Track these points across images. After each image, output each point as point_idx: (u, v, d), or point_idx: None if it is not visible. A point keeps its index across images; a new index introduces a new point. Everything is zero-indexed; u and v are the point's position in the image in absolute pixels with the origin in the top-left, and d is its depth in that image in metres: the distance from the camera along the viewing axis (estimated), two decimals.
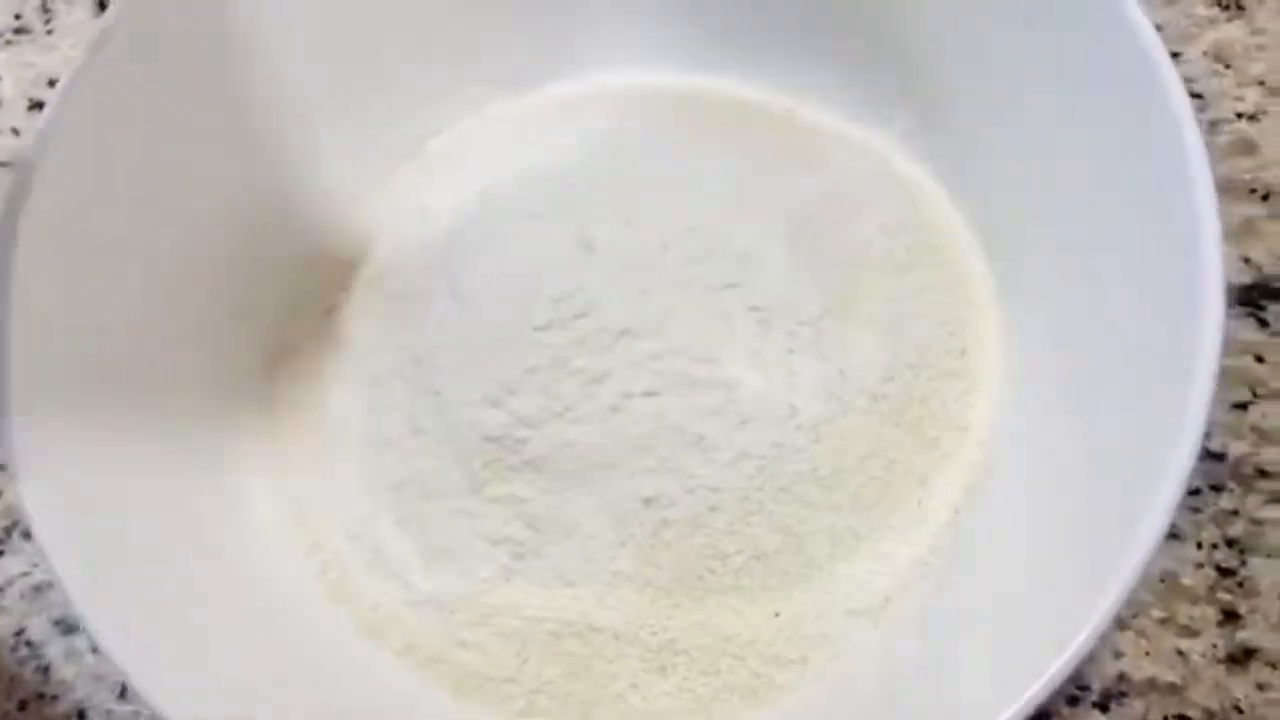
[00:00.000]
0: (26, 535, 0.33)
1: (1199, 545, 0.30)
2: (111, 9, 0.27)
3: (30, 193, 0.25)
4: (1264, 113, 0.35)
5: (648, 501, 0.27)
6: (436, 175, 0.33)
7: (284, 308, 0.31)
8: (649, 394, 0.27)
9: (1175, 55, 0.37)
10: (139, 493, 0.25)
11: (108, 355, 0.26)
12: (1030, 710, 0.21)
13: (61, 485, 0.22)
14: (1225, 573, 0.30)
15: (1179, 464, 0.22)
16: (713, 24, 0.33)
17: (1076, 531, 0.25)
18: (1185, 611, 0.30)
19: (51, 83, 0.38)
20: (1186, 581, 0.30)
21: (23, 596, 0.32)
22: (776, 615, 0.27)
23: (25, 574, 0.33)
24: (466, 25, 0.34)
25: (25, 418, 0.22)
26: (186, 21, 0.29)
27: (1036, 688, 0.21)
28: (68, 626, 0.32)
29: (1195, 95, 0.36)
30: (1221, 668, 0.29)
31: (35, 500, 0.22)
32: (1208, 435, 0.31)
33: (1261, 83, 0.36)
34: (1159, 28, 0.33)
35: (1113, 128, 0.26)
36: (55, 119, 0.26)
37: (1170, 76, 0.24)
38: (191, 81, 0.29)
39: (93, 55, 0.26)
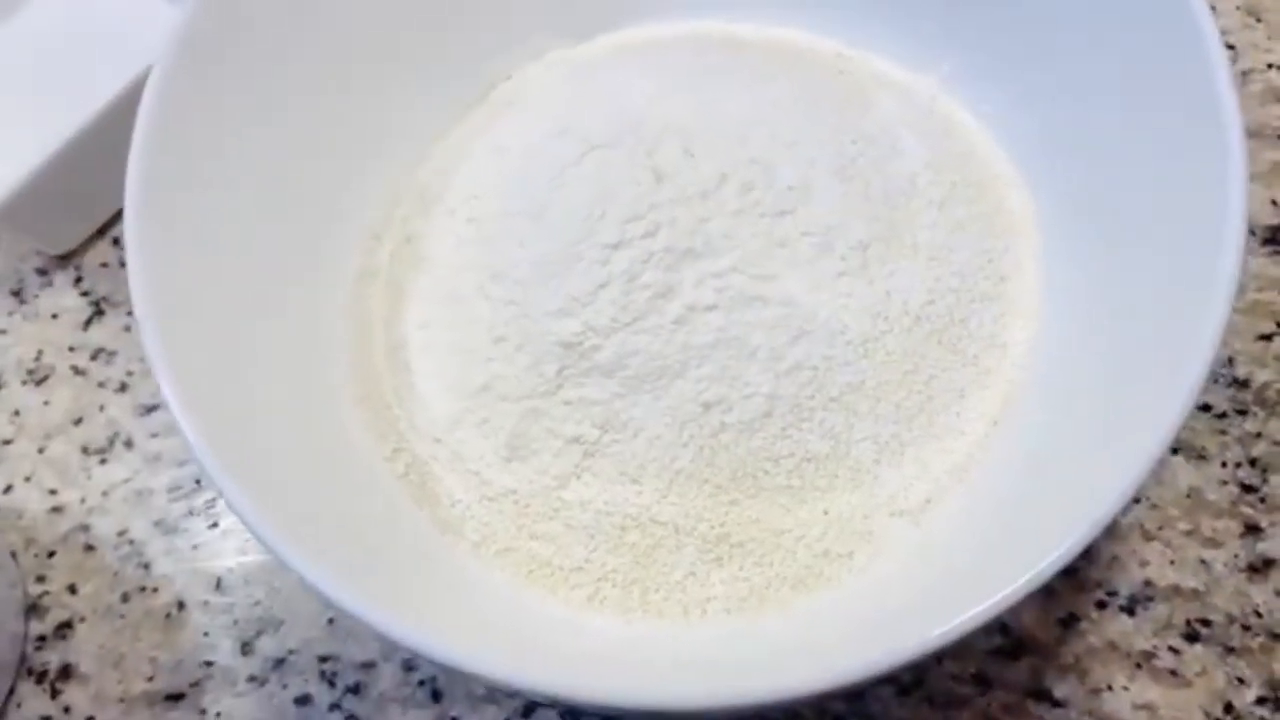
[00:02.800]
0: (128, 445, 0.36)
1: (1223, 464, 0.32)
2: None
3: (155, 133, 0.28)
4: None
5: (708, 406, 0.29)
6: (504, 117, 0.36)
7: (369, 234, 0.34)
8: (711, 308, 0.29)
9: (1211, 9, 0.38)
10: (245, 391, 0.28)
11: (224, 274, 0.29)
12: (1046, 578, 0.22)
13: (189, 380, 0.25)
14: (1248, 489, 0.32)
15: (1192, 379, 0.23)
16: None
17: (1101, 441, 0.26)
18: (1209, 524, 0.31)
19: None
20: (1211, 497, 0.32)
21: (125, 500, 0.35)
22: (825, 513, 0.29)
23: (127, 480, 0.36)
24: None
25: (161, 322, 0.25)
26: None
27: (1049, 560, 0.22)
28: (168, 527, 0.35)
29: (1228, 46, 0.37)
30: (1242, 576, 0.31)
31: (171, 388, 0.24)
32: (1233, 362, 0.33)
33: None
34: None
35: (1147, 66, 0.28)
36: (170, 67, 0.29)
37: (1204, 15, 0.26)
38: (283, 37, 0.31)
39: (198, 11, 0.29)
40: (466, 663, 0.23)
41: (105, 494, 0.35)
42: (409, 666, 0.32)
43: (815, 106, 0.33)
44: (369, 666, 0.32)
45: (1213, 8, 0.38)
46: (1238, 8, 0.39)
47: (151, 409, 0.36)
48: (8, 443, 0.36)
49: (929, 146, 0.33)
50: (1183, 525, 0.31)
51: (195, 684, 0.33)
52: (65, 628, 0.34)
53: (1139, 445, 0.23)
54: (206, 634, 0.33)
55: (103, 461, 0.36)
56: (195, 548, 0.34)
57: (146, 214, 0.27)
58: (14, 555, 0.35)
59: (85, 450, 0.36)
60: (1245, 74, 0.37)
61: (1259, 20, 0.38)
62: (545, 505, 0.29)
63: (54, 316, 0.38)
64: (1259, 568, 0.31)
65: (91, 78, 0.37)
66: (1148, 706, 0.30)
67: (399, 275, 0.33)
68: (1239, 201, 0.25)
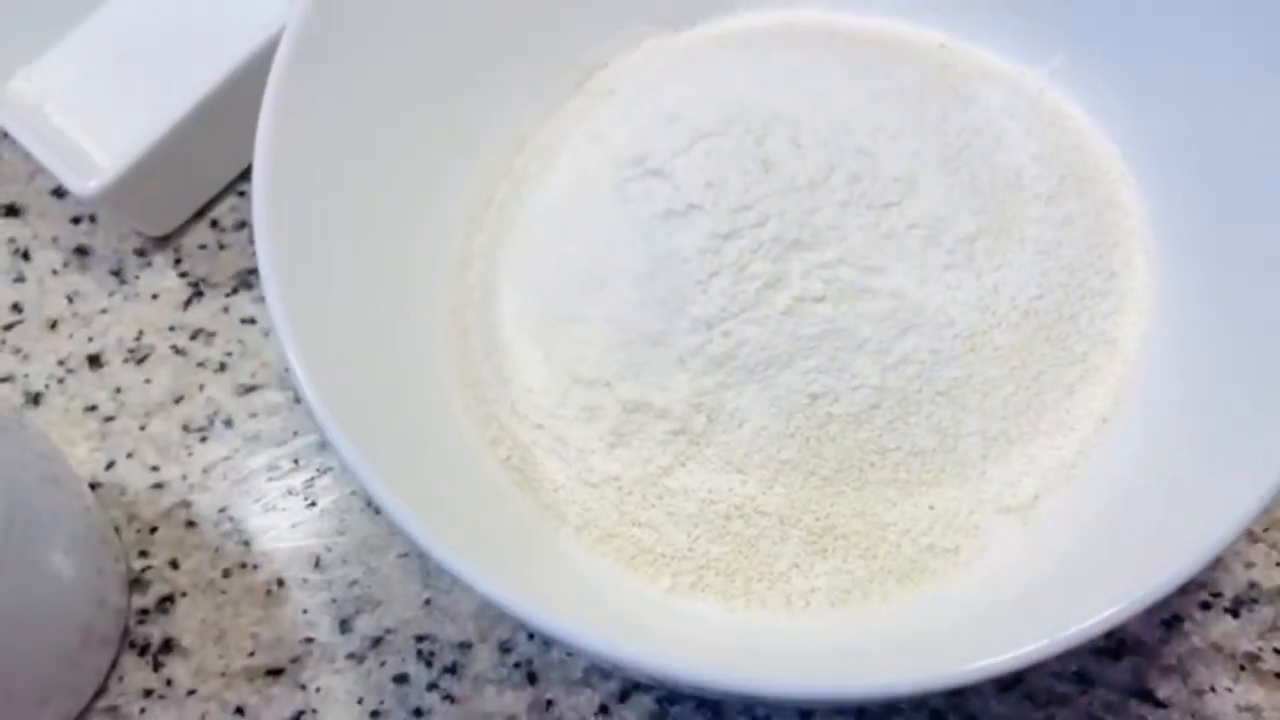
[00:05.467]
0: (228, 424, 0.37)
1: None
2: None
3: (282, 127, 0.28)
4: None
5: (814, 398, 0.29)
6: (604, 105, 0.36)
7: (468, 219, 0.34)
8: (819, 299, 0.29)
9: None
10: (358, 370, 0.28)
11: (336, 254, 0.29)
12: (1154, 600, 0.22)
13: (312, 352, 0.25)
14: None
15: None
16: None
17: (1215, 445, 0.26)
18: None
19: None
20: None
21: (225, 478, 0.36)
22: (931, 508, 0.29)
23: (226, 458, 0.36)
24: None
25: (285, 288, 0.26)
26: None
27: (1160, 581, 0.22)
28: (267, 505, 0.35)
29: None
30: None
31: (295, 353, 0.25)
32: None
33: None
34: None
35: (1269, 62, 0.28)
36: (289, 59, 0.29)
37: None
38: (391, 27, 0.32)
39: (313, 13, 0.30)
40: (572, 634, 0.23)
41: (205, 472, 0.36)
42: (505, 648, 0.33)
43: (919, 98, 0.33)
44: (465, 647, 0.33)
45: None
46: None
47: (250, 389, 0.37)
48: (110, 419, 0.37)
49: (1036, 139, 0.32)
50: None
51: (295, 660, 0.33)
52: (167, 602, 0.34)
53: (1265, 459, 0.23)
54: (305, 611, 0.34)
55: (203, 440, 0.37)
56: (294, 526, 0.35)
57: (271, 198, 0.27)
58: (117, 530, 0.35)
59: (186, 428, 0.37)
60: None
61: None
62: (648, 493, 0.29)
63: (154, 297, 0.39)
64: None
65: (192, 65, 0.37)
66: (1252, 709, 0.30)
67: (497, 259, 0.33)
68: None
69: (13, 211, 0.41)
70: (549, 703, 0.32)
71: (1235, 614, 0.31)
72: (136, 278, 0.40)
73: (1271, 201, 0.27)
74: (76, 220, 0.41)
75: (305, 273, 0.27)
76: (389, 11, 0.32)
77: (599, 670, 0.32)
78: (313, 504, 0.35)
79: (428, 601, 0.33)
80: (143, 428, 0.37)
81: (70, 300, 0.39)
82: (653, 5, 0.37)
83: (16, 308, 0.39)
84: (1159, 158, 0.31)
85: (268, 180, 0.27)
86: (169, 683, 0.33)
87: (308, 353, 0.25)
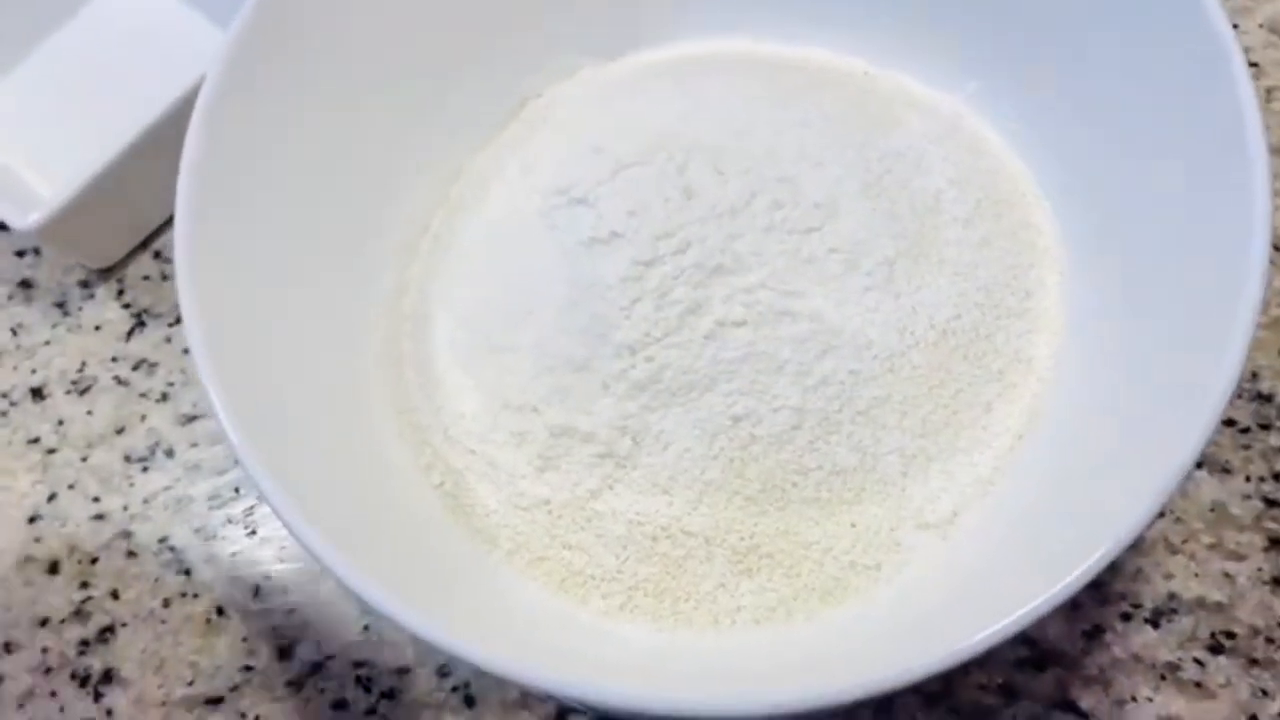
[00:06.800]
0: (169, 454, 0.37)
1: (1247, 479, 0.32)
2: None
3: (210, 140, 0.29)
4: None
5: (737, 419, 0.29)
6: (537, 135, 0.36)
7: (403, 248, 0.35)
8: (740, 323, 0.29)
9: (1234, 27, 0.39)
10: (287, 402, 0.29)
11: (266, 286, 0.30)
12: (1071, 593, 0.23)
13: (234, 389, 0.26)
14: (1271, 503, 0.32)
15: (1217, 398, 0.24)
16: None
17: (1126, 457, 0.27)
18: (1233, 538, 0.32)
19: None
20: (1235, 511, 0.32)
21: (166, 508, 0.36)
22: (852, 526, 0.29)
23: (168, 488, 0.36)
24: (560, 1, 0.37)
25: (207, 334, 0.26)
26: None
27: (1075, 575, 0.23)
28: (207, 534, 0.36)
29: (1252, 64, 0.38)
30: (1266, 589, 0.31)
31: (216, 393, 0.25)
32: (1257, 377, 0.33)
33: None
34: None
35: (1169, 87, 0.29)
36: (217, 87, 0.30)
37: (1226, 34, 0.27)
38: (323, 58, 0.32)
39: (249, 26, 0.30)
40: (500, 666, 0.23)
41: (146, 502, 0.36)
42: (443, 673, 0.33)
43: (842, 125, 0.33)
44: (404, 672, 0.33)
45: (1235, 26, 0.39)
46: (1261, 25, 0.39)
47: (191, 419, 0.37)
48: (52, 451, 0.37)
49: (954, 164, 0.33)
50: (1207, 539, 0.32)
51: (234, 688, 0.33)
52: (108, 632, 0.35)
53: (1164, 462, 0.24)
54: (245, 639, 0.34)
55: (144, 470, 0.37)
56: (234, 555, 0.35)
57: (194, 231, 0.28)
58: (57, 562, 0.36)
59: (127, 459, 0.37)
60: (1269, 91, 0.38)
61: None
62: (578, 515, 0.30)
63: (97, 328, 0.39)
64: None
65: (132, 99, 0.38)
66: (1172, 718, 0.30)
67: (431, 288, 0.34)
68: (1263, 225, 0.25)
69: None
70: None
71: (1155, 625, 0.31)
72: (80, 309, 0.40)
73: (1165, 218, 0.28)
74: (21, 254, 0.41)
75: (230, 307, 0.27)
76: (324, 42, 0.32)
77: (536, 693, 0.32)
78: (253, 532, 0.35)
79: (366, 628, 0.34)
80: (84, 459, 0.37)
81: (14, 333, 0.40)
82: (586, 36, 0.38)
83: None
84: (1068, 180, 0.32)
85: (190, 215, 0.28)
86: (109, 713, 0.34)
87: (226, 384, 0.26)
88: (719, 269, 0.30)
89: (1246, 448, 0.33)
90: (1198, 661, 0.31)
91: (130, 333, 0.39)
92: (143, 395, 0.38)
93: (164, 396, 0.38)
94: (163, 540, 0.36)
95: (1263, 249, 0.25)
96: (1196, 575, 0.31)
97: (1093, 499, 0.27)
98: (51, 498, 0.37)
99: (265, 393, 0.27)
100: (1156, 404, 0.26)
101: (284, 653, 0.34)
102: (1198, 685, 0.30)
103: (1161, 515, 0.32)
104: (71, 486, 0.37)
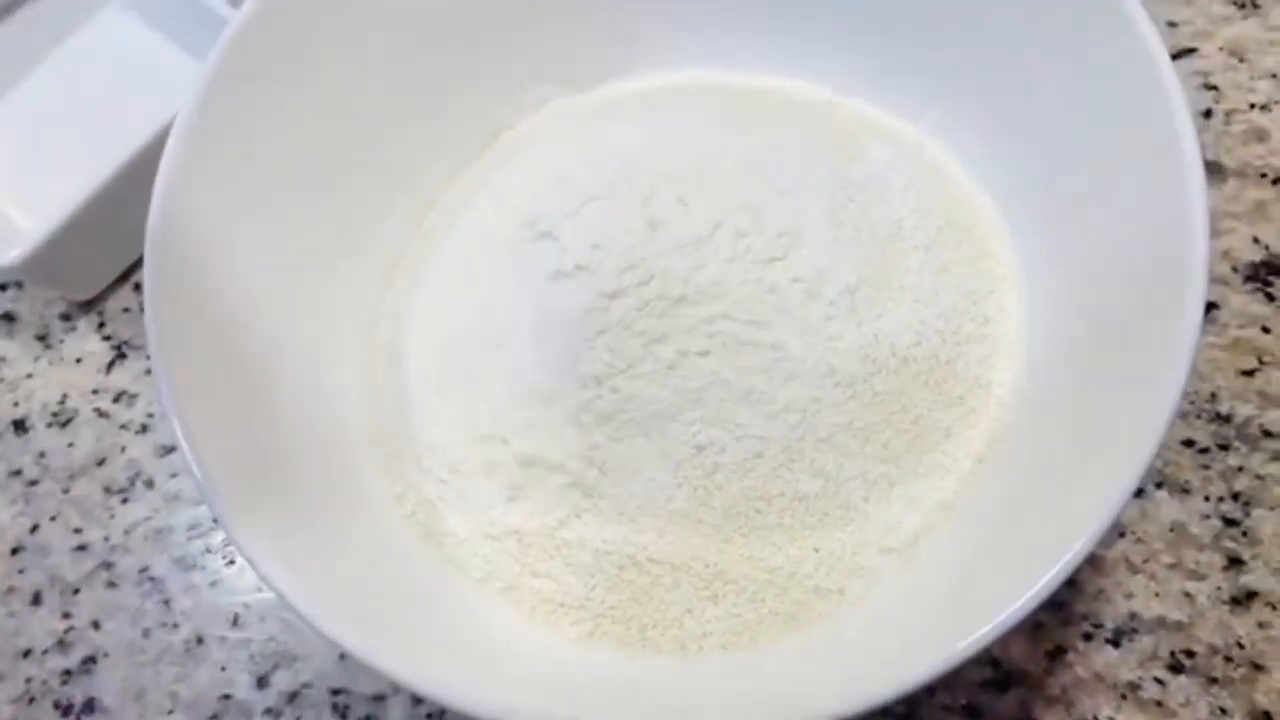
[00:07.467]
0: (149, 485, 0.37)
1: (1206, 498, 0.33)
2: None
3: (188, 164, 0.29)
4: (1276, 103, 0.38)
5: (701, 448, 0.30)
6: (508, 166, 0.37)
7: (378, 281, 0.35)
8: (703, 353, 0.30)
9: (1192, 50, 0.39)
10: (260, 437, 0.29)
11: (238, 320, 0.30)
12: (1028, 611, 0.23)
13: (203, 427, 0.26)
14: (1230, 523, 0.32)
15: (1163, 416, 0.24)
16: (759, 25, 0.37)
17: (1079, 478, 0.27)
18: (1192, 557, 0.32)
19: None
20: (1194, 531, 0.33)
21: (146, 538, 0.37)
22: (816, 551, 0.30)
23: (148, 518, 0.37)
24: (532, 33, 0.38)
25: (175, 368, 0.27)
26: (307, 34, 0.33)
27: (1030, 593, 0.23)
28: (187, 564, 0.36)
29: (1211, 87, 0.39)
30: (1225, 608, 0.32)
31: (185, 431, 0.26)
32: (1216, 398, 0.34)
33: (1274, 75, 0.38)
34: (1174, 25, 0.36)
35: (1115, 114, 0.29)
36: (189, 121, 0.30)
37: (1167, 71, 0.27)
38: (294, 94, 0.33)
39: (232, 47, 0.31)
40: (469, 705, 0.24)
41: (127, 532, 0.37)
42: (418, 700, 0.33)
43: (807, 154, 0.34)
44: (379, 700, 0.34)
45: (1195, 49, 0.39)
46: (1220, 48, 0.39)
47: (170, 450, 0.38)
48: (34, 483, 0.38)
49: (916, 192, 0.34)
50: (1167, 558, 0.32)
51: (213, 717, 0.34)
52: (89, 662, 0.35)
53: (1112, 481, 0.24)
54: (224, 668, 0.34)
55: (124, 501, 0.37)
56: (213, 584, 0.36)
57: (164, 264, 0.28)
58: (40, 593, 0.36)
59: (108, 490, 0.38)
60: (1229, 114, 0.38)
61: (1242, 60, 0.39)
62: (547, 544, 0.30)
63: (78, 361, 0.40)
64: (1241, 600, 0.31)
65: (112, 133, 0.38)
66: None
67: (405, 318, 0.35)
68: (1202, 245, 0.26)
69: None
70: None
71: (1116, 644, 0.32)
72: (61, 342, 0.40)
73: (1119, 242, 0.29)
74: (3, 287, 0.42)
75: (198, 339, 0.28)
76: (295, 77, 0.33)
77: None
78: (231, 562, 0.36)
79: (342, 656, 0.34)
80: (66, 491, 0.38)
81: None
82: (556, 68, 0.38)
83: None
84: (1028, 207, 0.32)
85: (162, 248, 0.28)
86: None
87: (192, 417, 0.26)
88: (682, 300, 0.30)
89: (1206, 468, 0.33)
90: (1158, 680, 0.31)
91: (111, 364, 0.40)
92: (123, 427, 0.39)
93: (144, 428, 0.38)
94: (143, 570, 0.36)
95: (1200, 269, 0.26)
96: (1157, 595, 0.32)
97: (1048, 521, 0.27)
98: (34, 529, 0.37)
99: (236, 428, 0.28)
100: (1106, 428, 0.27)
101: (262, 681, 0.34)
102: (1158, 704, 0.31)
103: (1122, 535, 0.33)
104: (53, 518, 0.37)
